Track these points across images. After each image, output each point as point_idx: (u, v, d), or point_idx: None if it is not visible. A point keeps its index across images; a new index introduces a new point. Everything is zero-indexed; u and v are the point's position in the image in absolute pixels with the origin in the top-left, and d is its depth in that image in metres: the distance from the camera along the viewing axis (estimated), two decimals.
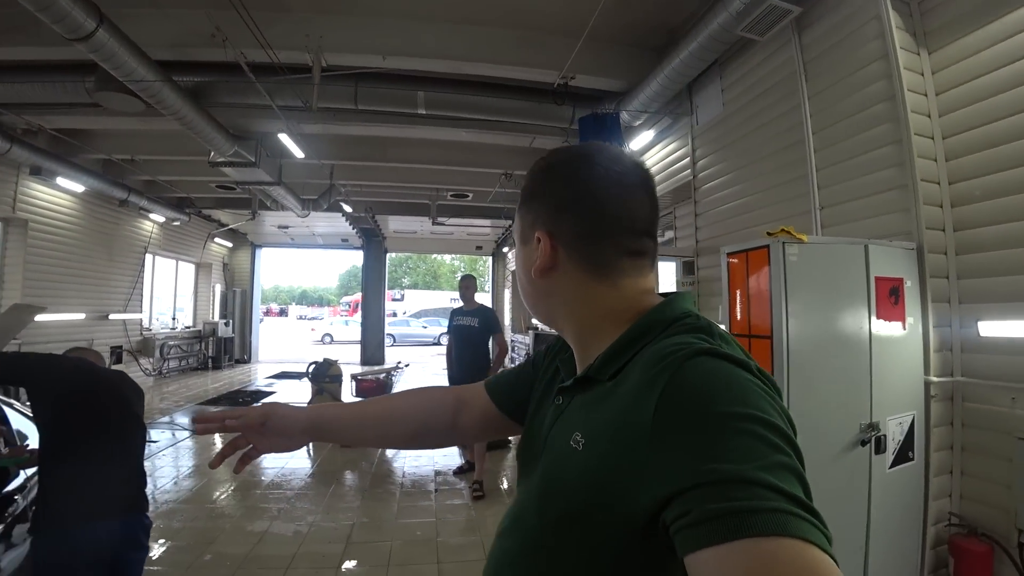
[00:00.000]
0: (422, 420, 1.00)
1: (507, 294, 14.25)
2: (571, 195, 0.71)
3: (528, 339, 8.90)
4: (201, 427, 0.95)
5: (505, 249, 13.65)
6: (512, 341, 12.10)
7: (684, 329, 0.64)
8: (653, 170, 5.50)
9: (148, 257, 10.28)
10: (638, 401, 0.56)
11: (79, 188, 7.67)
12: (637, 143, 5.43)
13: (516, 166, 7.40)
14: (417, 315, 26.17)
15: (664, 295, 0.74)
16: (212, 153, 6.45)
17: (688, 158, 4.86)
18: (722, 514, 0.43)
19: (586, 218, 0.70)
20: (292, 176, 8.02)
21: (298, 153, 6.57)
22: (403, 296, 33.17)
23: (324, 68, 4.62)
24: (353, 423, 1.01)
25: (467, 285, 5.01)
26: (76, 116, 5.82)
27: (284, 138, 6.21)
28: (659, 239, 5.03)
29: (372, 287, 15.13)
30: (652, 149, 5.63)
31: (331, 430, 1.00)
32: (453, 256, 39.01)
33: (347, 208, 10.42)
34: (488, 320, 4.86)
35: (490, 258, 16.33)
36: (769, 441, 0.48)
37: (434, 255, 38.56)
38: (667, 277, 4.99)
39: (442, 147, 7.19)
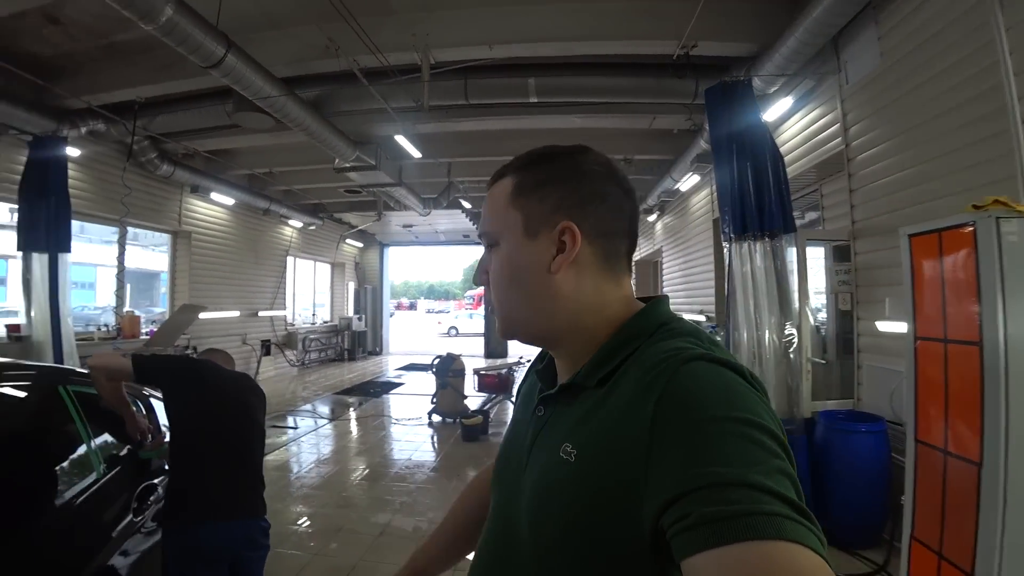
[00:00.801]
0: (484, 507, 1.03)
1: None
2: (597, 187, 0.69)
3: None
4: None
5: None
6: None
7: (673, 333, 0.64)
8: (793, 142, 4.86)
9: (289, 259, 11.26)
10: (633, 408, 0.56)
11: (230, 201, 8.57)
12: (772, 113, 4.75)
13: (635, 150, 6.91)
14: None
15: (643, 300, 0.72)
16: (336, 160, 6.81)
17: (838, 124, 4.14)
18: (721, 517, 0.43)
19: (612, 212, 0.69)
20: (412, 176, 8.28)
21: (415, 153, 6.71)
22: None
23: (432, 65, 4.60)
24: (443, 549, 1.03)
25: None
26: (221, 138, 6.42)
27: (401, 139, 6.36)
28: (800, 220, 4.37)
29: None
30: (791, 119, 4.93)
31: (432, 567, 1.02)
32: None
33: (466, 204, 10.58)
34: None
35: None
36: (765, 446, 0.48)
37: None
38: (815, 263, 4.33)
39: (556, 136, 6.93)
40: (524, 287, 0.69)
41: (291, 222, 10.79)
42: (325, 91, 5.36)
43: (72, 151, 5.42)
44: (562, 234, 0.67)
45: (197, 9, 3.59)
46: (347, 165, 6.93)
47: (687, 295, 7.89)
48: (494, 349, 14.58)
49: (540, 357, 0.80)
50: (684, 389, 0.53)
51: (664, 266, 9.36)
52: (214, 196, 8.06)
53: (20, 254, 5.05)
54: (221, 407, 2.07)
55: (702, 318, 6.75)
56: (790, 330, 3.88)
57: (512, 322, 0.72)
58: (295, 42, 4.55)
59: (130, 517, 1.94)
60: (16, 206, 5.07)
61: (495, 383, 7.40)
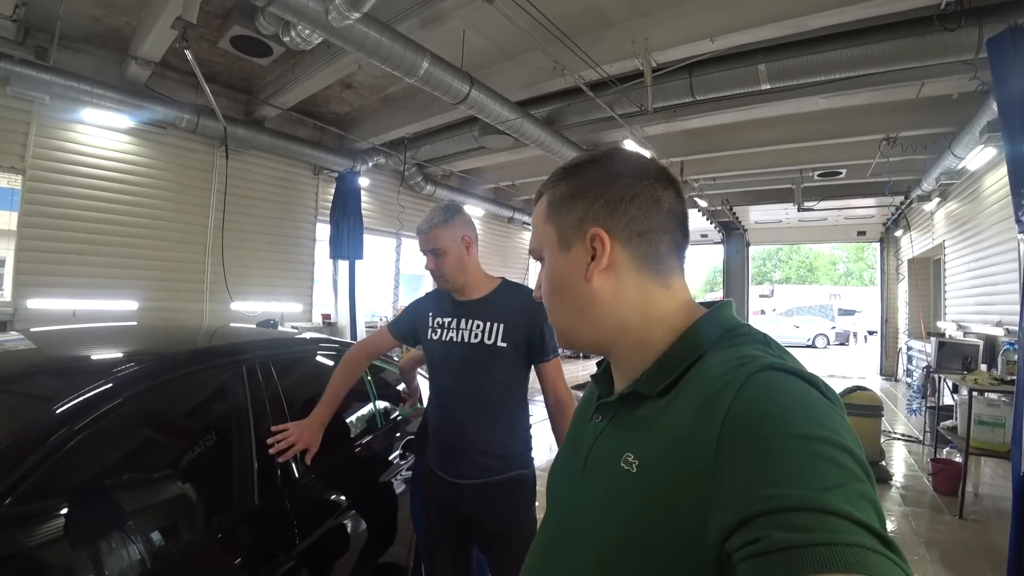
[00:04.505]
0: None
1: (902, 290, 11.08)
2: (624, 188, 0.68)
3: (928, 347, 6.57)
4: None
5: (898, 233, 10.70)
6: (908, 349, 9.48)
7: (742, 340, 0.61)
8: None
9: (532, 263, 12.25)
10: (699, 421, 0.53)
11: (480, 212, 9.79)
12: None
13: (900, 126, 5.72)
14: (787, 313, 23.48)
15: (706, 304, 0.70)
16: None
17: None
18: (796, 545, 0.39)
19: (644, 210, 0.67)
20: None
21: (646, 155, 6.67)
22: (772, 292, 30.12)
23: (654, 68, 4.55)
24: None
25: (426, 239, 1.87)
26: (470, 159, 7.40)
27: (630, 144, 6.41)
28: None
29: (734, 284, 14.31)
30: None
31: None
32: (833, 246, 33.45)
33: (701, 203, 10.13)
34: (524, 329, 1.81)
35: (877, 245, 12.66)
36: (846, 467, 0.44)
37: (809, 245, 33.79)
38: None
39: (798, 121, 6.16)
40: (566, 298, 0.70)
41: None
42: (556, 108, 5.73)
43: (363, 181, 6.89)
44: (592, 241, 0.67)
45: (446, 57, 4.24)
46: None
47: (979, 303, 6.15)
48: None
49: (597, 363, 0.80)
50: (754, 401, 0.50)
51: (947, 265, 7.46)
52: (467, 208, 9.25)
53: (330, 262, 6.69)
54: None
55: (1001, 332, 5.20)
56: None
57: (564, 332, 0.73)
58: (526, 68, 4.98)
59: (396, 459, 2.49)
60: (328, 225, 6.71)
61: None
